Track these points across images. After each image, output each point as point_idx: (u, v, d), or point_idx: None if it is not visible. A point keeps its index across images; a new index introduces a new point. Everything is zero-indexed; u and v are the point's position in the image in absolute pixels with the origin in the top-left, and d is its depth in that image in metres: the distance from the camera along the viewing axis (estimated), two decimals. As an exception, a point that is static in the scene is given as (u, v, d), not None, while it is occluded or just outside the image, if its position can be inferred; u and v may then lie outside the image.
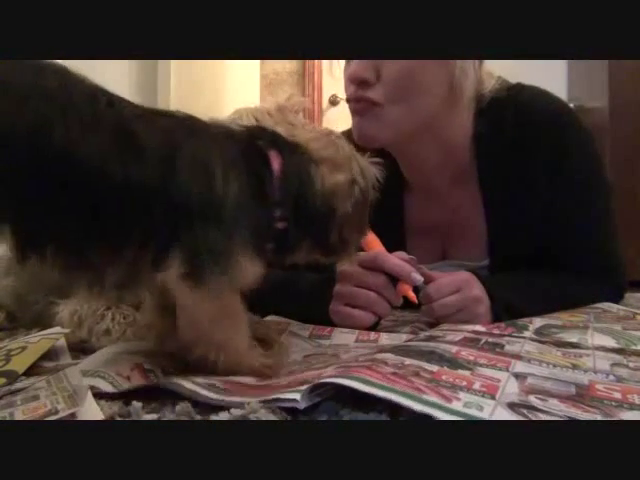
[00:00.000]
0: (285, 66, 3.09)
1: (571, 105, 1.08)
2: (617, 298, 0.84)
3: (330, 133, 0.63)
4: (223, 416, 0.40)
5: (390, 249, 0.73)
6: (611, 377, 0.48)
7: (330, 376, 0.43)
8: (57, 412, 0.40)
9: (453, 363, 0.48)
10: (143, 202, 0.45)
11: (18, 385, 0.48)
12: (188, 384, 0.45)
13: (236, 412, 0.40)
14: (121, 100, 0.48)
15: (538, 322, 0.69)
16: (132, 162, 0.45)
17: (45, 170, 0.42)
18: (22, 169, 0.42)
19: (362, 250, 0.75)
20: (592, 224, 0.82)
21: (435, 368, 0.47)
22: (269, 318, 0.75)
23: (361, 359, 0.50)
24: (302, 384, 0.43)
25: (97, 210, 0.44)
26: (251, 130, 0.56)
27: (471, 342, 0.58)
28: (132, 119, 0.47)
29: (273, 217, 0.53)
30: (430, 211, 0.88)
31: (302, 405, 0.40)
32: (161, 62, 2.33)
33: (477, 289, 0.70)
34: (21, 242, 0.44)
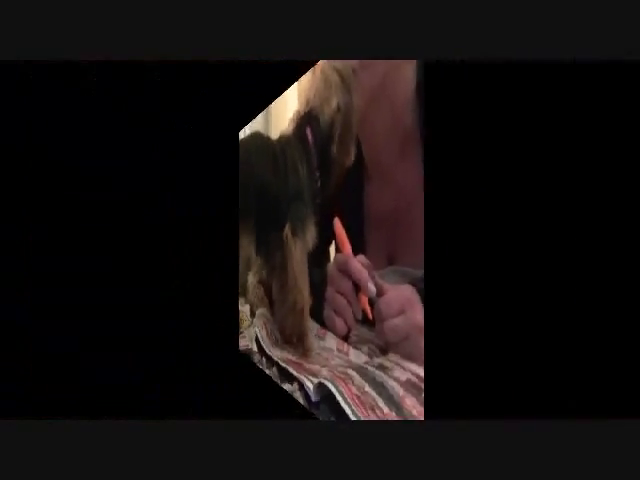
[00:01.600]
0: (285, 66, 3.09)
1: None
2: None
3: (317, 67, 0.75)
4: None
5: (352, 244, 0.69)
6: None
7: (326, 378, 0.46)
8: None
9: (400, 410, 0.48)
10: (279, 199, 0.70)
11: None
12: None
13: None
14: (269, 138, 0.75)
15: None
16: (276, 177, 0.71)
17: (259, 198, 0.72)
18: (257, 202, 0.73)
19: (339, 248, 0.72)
20: None
21: (386, 410, 0.48)
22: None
23: (340, 369, 0.56)
24: (313, 375, 0.48)
25: (269, 211, 0.71)
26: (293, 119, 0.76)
27: (414, 389, 0.53)
28: (273, 149, 0.73)
29: (316, 180, 0.72)
30: (383, 198, 0.81)
31: (314, 398, 0.45)
32: (161, 62, 2.32)
33: (419, 313, 0.61)
34: (256, 243, 0.74)
